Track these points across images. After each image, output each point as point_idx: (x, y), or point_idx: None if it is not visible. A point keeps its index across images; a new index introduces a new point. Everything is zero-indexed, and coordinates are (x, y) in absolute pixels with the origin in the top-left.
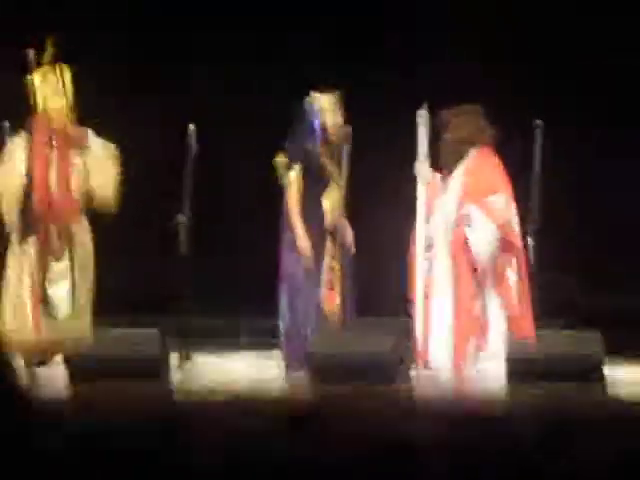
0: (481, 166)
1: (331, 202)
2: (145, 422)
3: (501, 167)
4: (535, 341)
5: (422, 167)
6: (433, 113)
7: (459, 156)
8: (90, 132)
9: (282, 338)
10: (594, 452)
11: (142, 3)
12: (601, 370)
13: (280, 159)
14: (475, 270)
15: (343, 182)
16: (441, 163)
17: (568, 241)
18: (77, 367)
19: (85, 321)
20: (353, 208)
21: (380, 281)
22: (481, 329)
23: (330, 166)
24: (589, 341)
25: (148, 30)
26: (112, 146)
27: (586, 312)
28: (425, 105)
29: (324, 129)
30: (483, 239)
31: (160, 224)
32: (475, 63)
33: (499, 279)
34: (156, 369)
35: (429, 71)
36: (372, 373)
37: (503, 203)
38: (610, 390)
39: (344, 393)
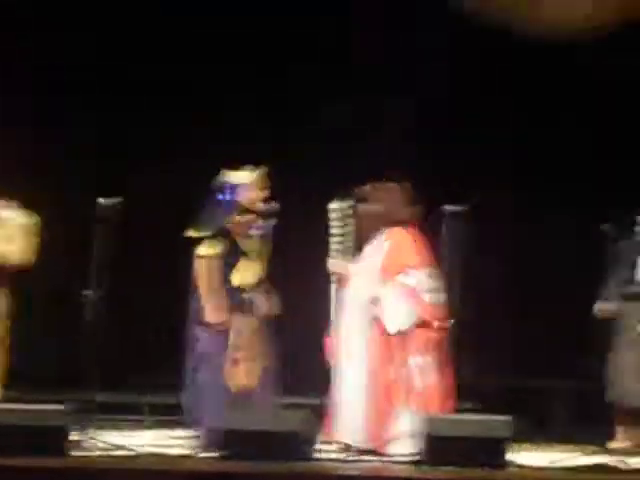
0: (397, 244)
1: (241, 278)
2: None
3: (419, 244)
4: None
5: (334, 264)
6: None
7: (375, 231)
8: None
9: (187, 415)
10: None
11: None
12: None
13: (193, 233)
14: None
15: (263, 258)
16: (356, 236)
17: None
18: None
19: None
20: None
21: (306, 360)
22: (392, 403)
23: (243, 242)
24: (499, 426)
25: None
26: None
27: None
28: (338, 197)
29: (238, 206)
30: (396, 319)
31: (67, 299)
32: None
33: (414, 353)
34: (60, 444)
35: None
36: (278, 451)
37: (416, 281)
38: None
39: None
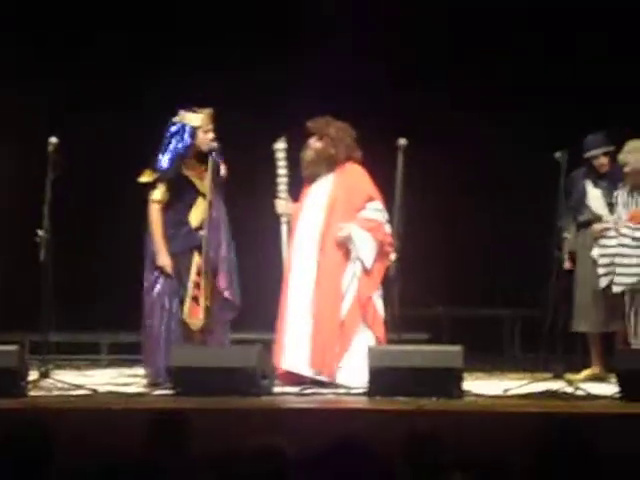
0: (354, 178)
1: (197, 218)
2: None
3: (369, 179)
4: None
5: (282, 205)
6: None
7: (320, 168)
8: None
9: (143, 354)
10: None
11: None
12: (460, 385)
13: (145, 177)
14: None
15: (209, 196)
16: (305, 171)
17: (431, 257)
18: None
19: None
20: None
21: (255, 297)
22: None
23: (198, 182)
24: (450, 355)
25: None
26: None
27: (449, 325)
28: (283, 138)
29: (192, 146)
30: (370, 251)
31: (21, 238)
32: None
33: (374, 283)
34: (15, 384)
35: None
36: (233, 387)
37: (379, 210)
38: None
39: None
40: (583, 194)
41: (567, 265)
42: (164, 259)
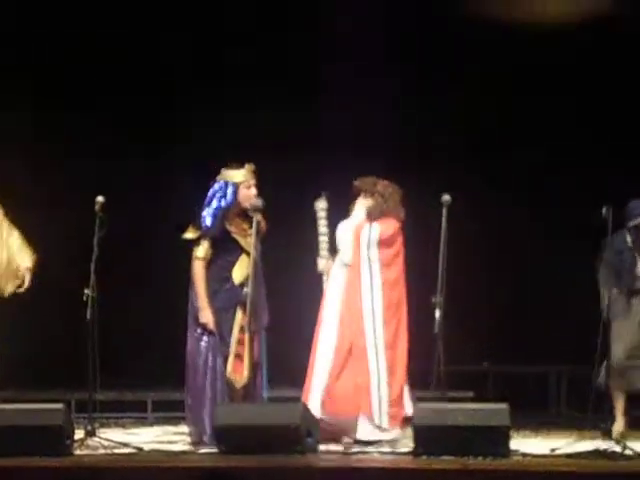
0: (389, 220)
1: (241, 274)
2: None
3: (398, 236)
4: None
5: (323, 263)
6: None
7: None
8: None
9: (188, 412)
10: None
11: None
12: (507, 443)
13: (190, 234)
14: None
15: (253, 253)
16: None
17: (476, 313)
18: None
19: None
20: (268, 282)
21: (294, 354)
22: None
23: (242, 239)
24: (497, 413)
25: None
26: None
27: (494, 382)
28: (324, 196)
29: (236, 203)
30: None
31: (65, 296)
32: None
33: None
34: (60, 443)
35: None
36: (278, 445)
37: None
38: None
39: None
40: (632, 264)
41: None
42: (207, 315)
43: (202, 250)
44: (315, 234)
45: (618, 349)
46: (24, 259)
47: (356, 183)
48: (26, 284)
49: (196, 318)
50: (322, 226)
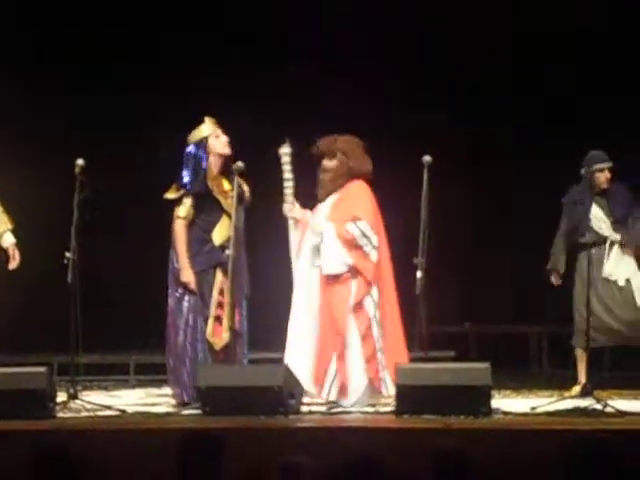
0: (352, 194)
1: (221, 236)
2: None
3: (372, 199)
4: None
5: (290, 209)
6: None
7: (338, 185)
8: None
9: (170, 373)
10: None
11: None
12: (489, 402)
13: (171, 194)
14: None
15: (234, 216)
16: (321, 190)
17: (457, 274)
18: None
19: None
20: (248, 243)
21: (273, 317)
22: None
23: (223, 200)
24: (478, 373)
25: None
26: None
27: (475, 342)
28: (287, 142)
29: (209, 156)
30: (330, 257)
31: (48, 260)
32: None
33: (357, 308)
34: (43, 407)
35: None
36: (261, 406)
37: (359, 231)
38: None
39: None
40: (585, 216)
41: (554, 281)
42: (188, 275)
43: (183, 210)
44: (280, 180)
45: (578, 307)
46: (2, 228)
47: (315, 147)
48: (17, 260)
49: (177, 278)
50: (287, 172)
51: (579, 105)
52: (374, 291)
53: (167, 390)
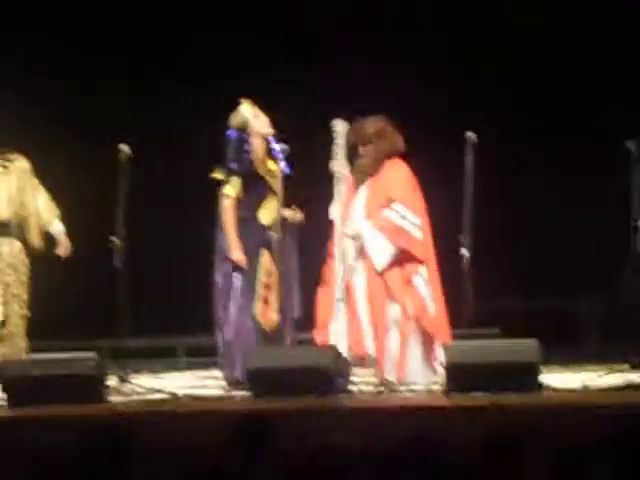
0: (387, 175)
1: (267, 216)
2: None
3: (408, 177)
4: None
5: (337, 164)
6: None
7: (374, 170)
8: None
9: (221, 354)
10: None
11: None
12: (537, 379)
13: (218, 173)
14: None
15: (280, 198)
16: (358, 176)
17: (503, 250)
18: (15, 390)
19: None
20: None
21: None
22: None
23: (270, 179)
24: (526, 349)
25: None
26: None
27: (523, 319)
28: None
29: (248, 137)
30: (378, 253)
31: (95, 246)
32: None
33: (405, 287)
34: (94, 391)
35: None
36: (310, 386)
37: (396, 214)
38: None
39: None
40: None
41: None
42: (238, 253)
43: (232, 189)
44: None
45: None
46: (50, 216)
47: (348, 137)
48: (66, 247)
49: (225, 257)
50: (339, 143)
51: None
52: (422, 270)
53: (216, 372)
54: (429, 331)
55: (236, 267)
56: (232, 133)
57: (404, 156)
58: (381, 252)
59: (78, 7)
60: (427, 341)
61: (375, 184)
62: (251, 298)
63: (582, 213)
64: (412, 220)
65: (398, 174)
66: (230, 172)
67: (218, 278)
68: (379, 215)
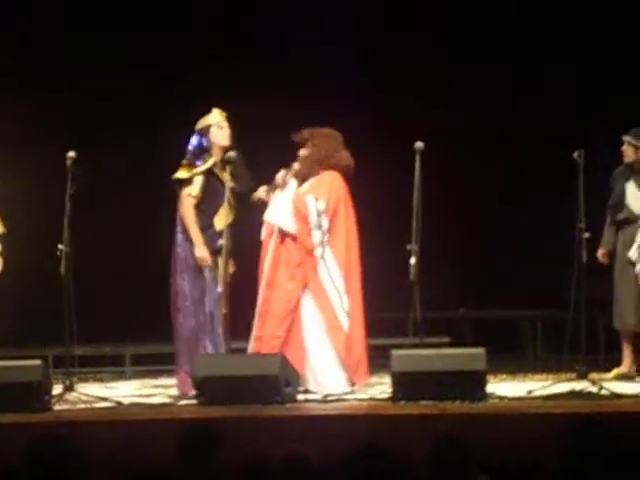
0: (321, 181)
1: (221, 222)
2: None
3: (342, 190)
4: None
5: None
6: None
7: (310, 174)
8: None
9: (178, 358)
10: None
11: None
12: (484, 387)
13: (181, 174)
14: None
15: (229, 203)
16: (298, 178)
17: (451, 260)
18: None
19: None
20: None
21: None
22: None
23: (227, 183)
24: (473, 358)
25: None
26: None
27: (470, 328)
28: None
29: (208, 142)
30: (283, 214)
31: (41, 253)
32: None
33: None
34: (39, 399)
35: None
36: (258, 395)
37: (315, 208)
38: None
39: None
40: (622, 193)
41: (602, 260)
42: (203, 251)
43: (195, 189)
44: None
45: (615, 287)
46: None
47: (294, 136)
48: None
49: (184, 260)
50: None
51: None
52: (337, 277)
53: (163, 381)
54: (336, 347)
55: (198, 268)
56: (195, 137)
57: (347, 175)
58: (285, 217)
59: (35, 8)
60: (341, 353)
61: (309, 188)
62: (213, 299)
63: (529, 222)
64: (322, 222)
65: (331, 183)
66: (194, 171)
67: (179, 280)
68: (304, 196)
